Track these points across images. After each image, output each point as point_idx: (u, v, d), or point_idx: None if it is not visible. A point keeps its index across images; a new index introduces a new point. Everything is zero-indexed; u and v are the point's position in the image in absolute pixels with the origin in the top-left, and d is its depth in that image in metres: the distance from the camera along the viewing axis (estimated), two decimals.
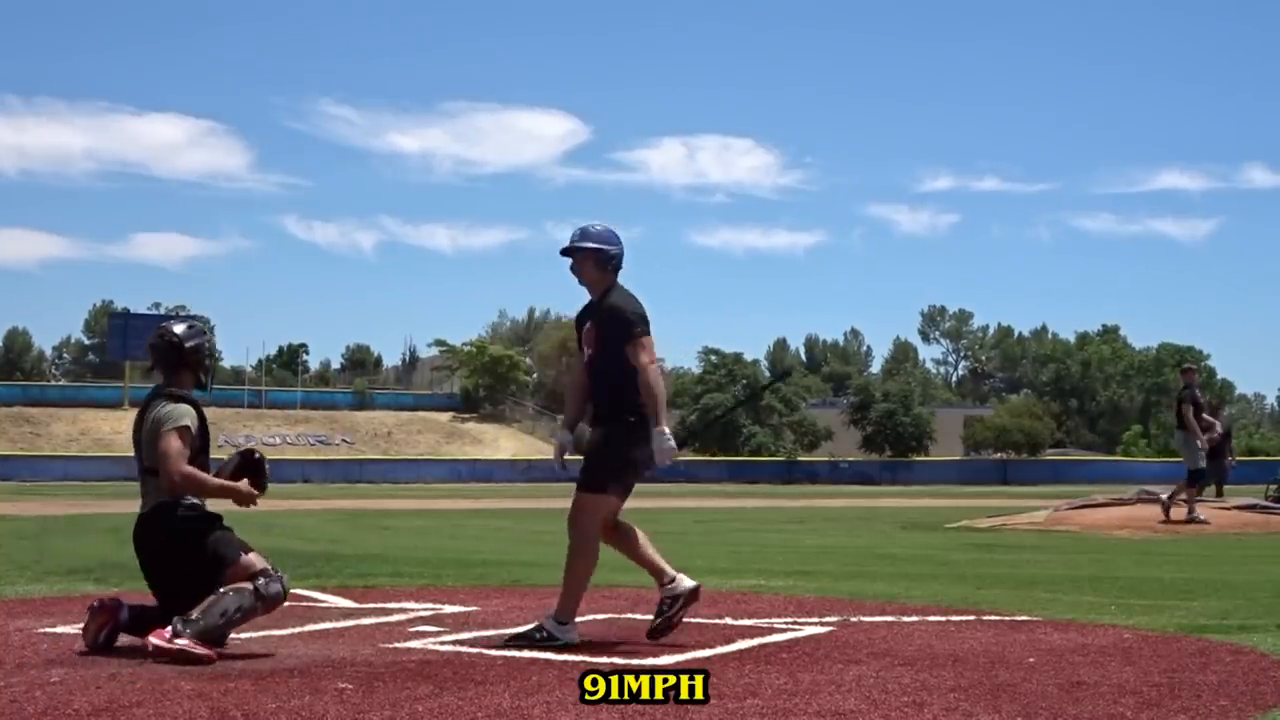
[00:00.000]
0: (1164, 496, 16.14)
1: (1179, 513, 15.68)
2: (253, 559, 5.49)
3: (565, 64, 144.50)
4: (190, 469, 5.40)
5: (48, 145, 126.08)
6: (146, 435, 5.53)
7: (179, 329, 5.73)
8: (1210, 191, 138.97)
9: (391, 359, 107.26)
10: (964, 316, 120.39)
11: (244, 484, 5.56)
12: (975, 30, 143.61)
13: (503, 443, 70.48)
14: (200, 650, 5.11)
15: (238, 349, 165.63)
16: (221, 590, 5.35)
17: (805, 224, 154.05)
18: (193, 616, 5.21)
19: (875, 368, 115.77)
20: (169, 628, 5.17)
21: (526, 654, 5.43)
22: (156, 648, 5.11)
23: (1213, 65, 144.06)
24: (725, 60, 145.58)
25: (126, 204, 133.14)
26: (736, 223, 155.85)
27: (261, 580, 5.43)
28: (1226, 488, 20.85)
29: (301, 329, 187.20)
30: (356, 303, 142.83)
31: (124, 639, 5.48)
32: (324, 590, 8.12)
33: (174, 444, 5.40)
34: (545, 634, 5.66)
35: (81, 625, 5.55)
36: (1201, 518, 15.51)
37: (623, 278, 6.03)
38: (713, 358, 76.00)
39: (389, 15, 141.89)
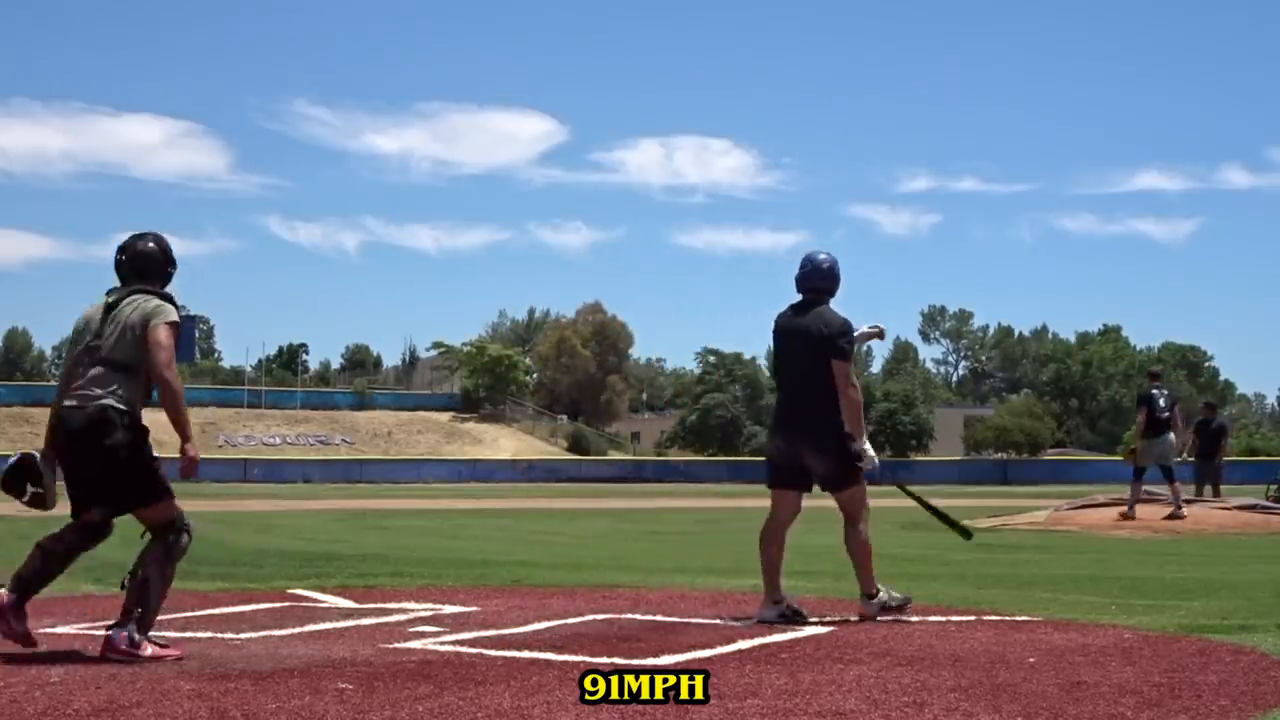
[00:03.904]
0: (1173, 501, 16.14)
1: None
2: (175, 502, 5.42)
3: (540, 65, 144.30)
4: (178, 376, 5.19)
5: (25, 146, 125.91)
6: (128, 323, 5.27)
7: (158, 243, 5.56)
8: (1189, 192, 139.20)
9: (391, 359, 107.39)
10: (964, 316, 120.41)
11: (194, 448, 5.27)
12: (949, 31, 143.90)
13: (503, 443, 70.46)
14: (169, 653, 5.23)
15: (237, 349, 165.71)
16: (142, 576, 5.30)
17: (787, 224, 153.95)
18: (138, 614, 5.24)
19: (875, 367, 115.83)
20: (123, 635, 5.17)
21: (526, 654, 5.43)
22: (119, 659, 5.12)
23: (1188, 67, 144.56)
24: (701, 60, 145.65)
25: (108, 205, 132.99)
26: (718, 223, 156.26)
27: (172, 537, 5.38)
28: (1225, 487, 20.84)
29: (297, 329, 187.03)
30: (348, 303, 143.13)
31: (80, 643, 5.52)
32: (324, 590, 8.12)
33: (168, 337, 5.22)
34: (893, 598, 6.61)
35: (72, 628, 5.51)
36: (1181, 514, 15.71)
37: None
38: (712, 358, 76.01)
39: (359, 16, 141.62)
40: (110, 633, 5.24)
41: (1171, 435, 16.12)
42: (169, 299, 5.43)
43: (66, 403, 5.30)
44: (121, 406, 5.24)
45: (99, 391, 5.25)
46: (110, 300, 5.44)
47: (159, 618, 5.51)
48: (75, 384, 5.30)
